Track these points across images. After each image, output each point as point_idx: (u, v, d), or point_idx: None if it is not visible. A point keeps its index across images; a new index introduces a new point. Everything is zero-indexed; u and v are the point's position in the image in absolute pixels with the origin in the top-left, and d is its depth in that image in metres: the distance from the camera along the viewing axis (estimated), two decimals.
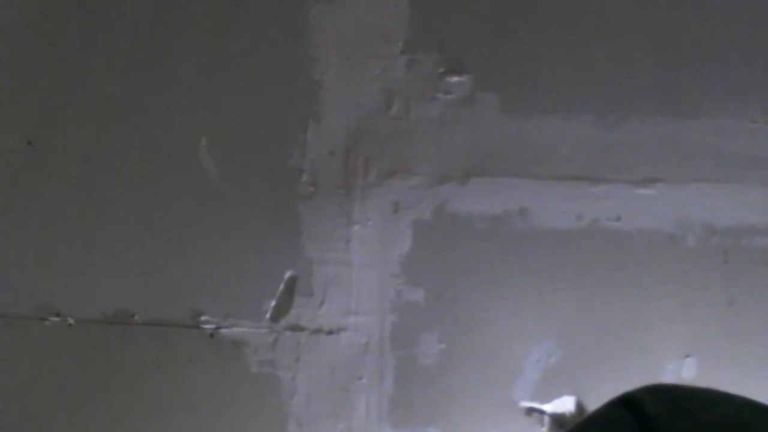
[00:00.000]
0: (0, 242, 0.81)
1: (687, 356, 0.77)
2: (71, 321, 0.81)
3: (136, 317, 0.81)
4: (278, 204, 0.79)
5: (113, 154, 0.80)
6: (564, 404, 0.78)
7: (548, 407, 0.78)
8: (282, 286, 0.80)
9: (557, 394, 0.78)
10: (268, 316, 0.80)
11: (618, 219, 0.77)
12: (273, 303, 0.80)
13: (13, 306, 0.82)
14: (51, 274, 0.81)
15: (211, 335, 0.80)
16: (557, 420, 0.78)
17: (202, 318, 0.80)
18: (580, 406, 0.77)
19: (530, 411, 0.78)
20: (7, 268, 0.81)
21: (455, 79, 0.77)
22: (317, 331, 0.80)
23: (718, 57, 0.75)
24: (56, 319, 0.81)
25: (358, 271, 0.79)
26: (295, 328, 0.80)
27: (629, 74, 0.76)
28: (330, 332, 0.80)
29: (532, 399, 0.79)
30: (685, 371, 0.77)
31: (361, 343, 0.80)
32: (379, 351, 0.79)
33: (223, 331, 0.80)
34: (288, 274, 0.80)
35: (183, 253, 0.80)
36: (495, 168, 0.77)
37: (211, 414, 0.81)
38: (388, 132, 0.78)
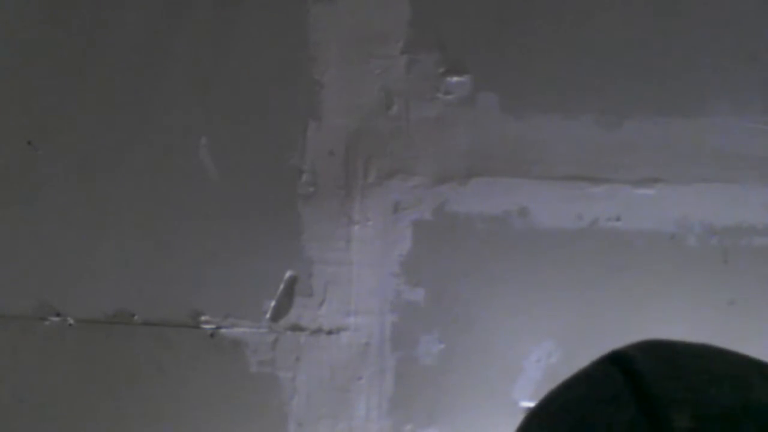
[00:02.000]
0: (0, 242, 0.81)
1: None
2: (71, 321, 0.81)
3: (136, 317, 0.81)
4: (278, 204, 0.79)
5: (113, 154, 0.80)
6: None
7: None
8: (282, 286, 0.80)
9: None
10: (268, 316, 0.80)
11: (618, 219, 0.77)
12: (273, 303, 0.80)
13: (13, 306, 0.82)
14: (51, 274, 0.81)
15: (211, 335, 0.80)
16: None
17: (202, 318, 0.80)
18: None
19: None
20: (7, 268, 0.81)
21: (455, 79, 0.77)
22: (317, 331, 0.80)
23: (718, 57, 0.75)
24: (56, 319, 0.81)
25: (358, 271, 0.79)
26: (295, 328, 0.80)
27: (629, 74, 0.76)
28: (330, 332, 0.80)
29: (532, 399, 0.78)
30: None
31: (361, 343, 0.80)
32: (379, 351, 0.79)
33: (223, 331, 0.80)
34: (288, 274, 0.80)
35: (183, 253, 0.80)
36: (495, 168, 0.77)
37: (210, 414, 0.81)
38: (388, 132, 0.78)
